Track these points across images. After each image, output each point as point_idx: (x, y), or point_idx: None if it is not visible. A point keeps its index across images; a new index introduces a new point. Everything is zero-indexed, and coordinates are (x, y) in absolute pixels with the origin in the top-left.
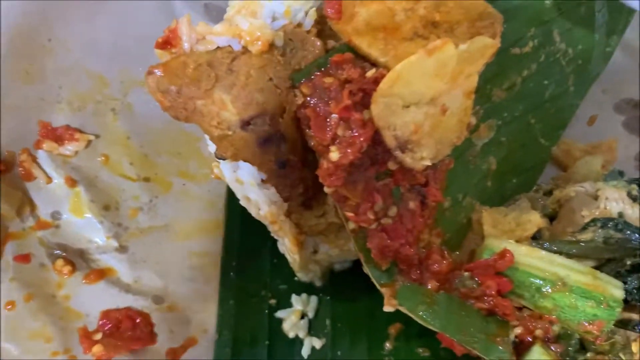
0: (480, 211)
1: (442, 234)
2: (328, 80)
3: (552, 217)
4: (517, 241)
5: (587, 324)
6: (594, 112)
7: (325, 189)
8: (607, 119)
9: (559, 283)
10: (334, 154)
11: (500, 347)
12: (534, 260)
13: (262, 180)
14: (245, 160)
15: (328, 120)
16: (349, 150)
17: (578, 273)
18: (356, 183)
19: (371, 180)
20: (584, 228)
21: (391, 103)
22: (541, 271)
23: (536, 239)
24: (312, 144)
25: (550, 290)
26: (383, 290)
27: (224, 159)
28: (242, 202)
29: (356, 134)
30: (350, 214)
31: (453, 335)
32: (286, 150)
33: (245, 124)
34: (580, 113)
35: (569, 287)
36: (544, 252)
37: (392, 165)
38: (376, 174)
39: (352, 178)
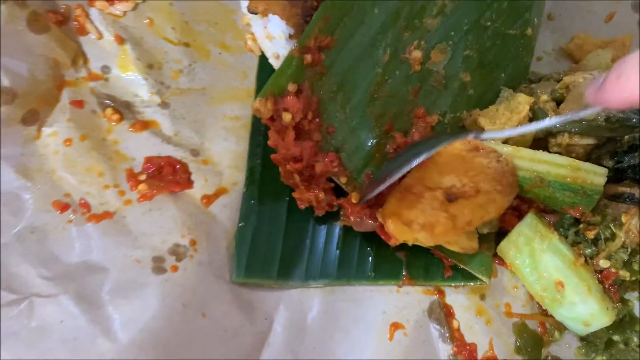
0: (470, 116)
1: None
2: None
3: (559, 102)
4: (518, 124)
5: (568, 209)
6: (613, 10)
7: None
8: (624, 16)
9: (538, 180)
10: None
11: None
12: (517, 161)
13: (290, 36)
14: (274, 14)
15: None
16: None
17: (558, 167)
18: None
19: None
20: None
21: None
22: (523, 170)
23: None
24: None
25: (529, 187)
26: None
27: (255, 14)
28: (272, 61)
29: None
30: None
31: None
32: (312, 5)
33: None
34: (598, 9)
35: (547, 182)
36: (525, 151)
37: None
38: None
39: None
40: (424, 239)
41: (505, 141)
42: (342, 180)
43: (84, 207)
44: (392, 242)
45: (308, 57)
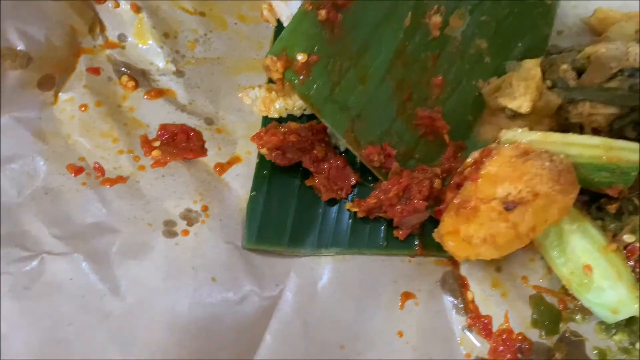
0: (487, 84)
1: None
2: None
3: (580, 72)
4: (537, 88)
5: (605, 189)
6: None
7: None
8: None
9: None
10: None
11: None
12: (548, 146)
13: None
14: None
15: None
16: None
17: (591, 148)
18: None
19: None
20: (612, 78)
21: None
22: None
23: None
24: None
25: None
26: None
27: None
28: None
29: None
30: None
31: None
32: None
33: None
34: None
35: (581, 165)
36: (555, 136)
37: None
38: None
39: None
40: (488, 252)
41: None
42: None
43: (98, 170)
44: (457, 258)
45: (322, 13)
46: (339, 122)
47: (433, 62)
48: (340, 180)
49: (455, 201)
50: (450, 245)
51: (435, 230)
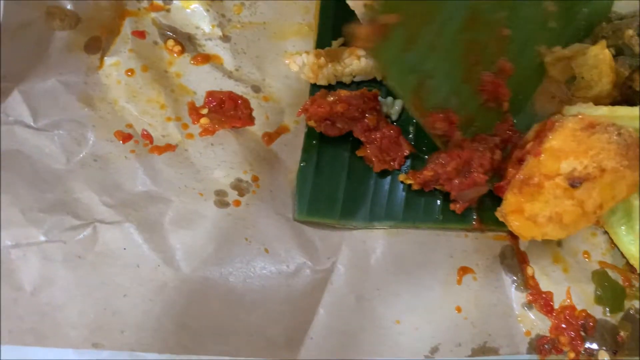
0: (552, 53)
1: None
2: None
3: None
4: (611, 69)
5: None
6: None
7: None
8: None
9: None
10: None
11: None
12: (615, 120)
13: None
14: None
15: None
16: None
17: None
18: None
19: None
20: None
21: None
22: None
23: None
24: None
25: None
26: None
27: None
28: None
29: None
30: None
31: None
32: None
33: None
34: None
35: None
36: (622, 110)
37: None
38: None
39: None
40: (554, 232)
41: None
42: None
43: (147, 138)
44: (523, 238)
45: None
46: (405, 85)
47: (503, 23)
48: (392, 150)
49: (518, 177)
50: (515, 225)
51: (498, 209)
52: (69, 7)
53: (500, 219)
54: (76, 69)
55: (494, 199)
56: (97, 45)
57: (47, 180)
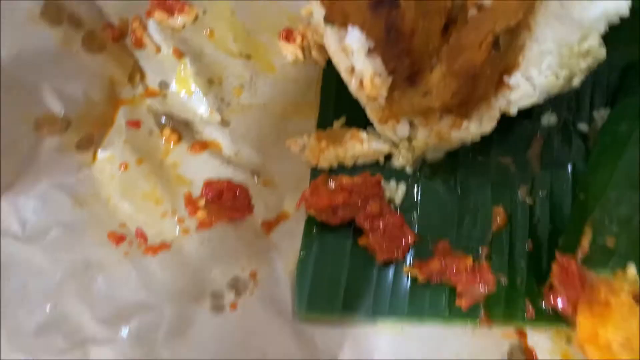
0: None
1: None
2: None
3: None
4: None
5: None
6: None
7: None
8: None
9: None
10: None
11: None
12: None
13: (370, 49)
14: (354, 24)
15: None
16: None
17: None
18: None
19: None
20: None
21: None
22: None
23: None
24: None
25: None
26: None
27: (332, 24)
28: (343, 75)
29: None
30: None
31: None
32: (398, 15)
33: None
34: None
35: None
36: None
37: None
38: None
39: None
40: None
41: None
42: None
43: (141, 237)
44: None
45: None
46: None
47: None
48: (396, 239)
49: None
50: (594, 356)
51: (575, 337)
52: (58, 111)
53: (578, 348)
54: (68, 169)
55: (499, 292)
56: (90, 141)
57: (35, 298)
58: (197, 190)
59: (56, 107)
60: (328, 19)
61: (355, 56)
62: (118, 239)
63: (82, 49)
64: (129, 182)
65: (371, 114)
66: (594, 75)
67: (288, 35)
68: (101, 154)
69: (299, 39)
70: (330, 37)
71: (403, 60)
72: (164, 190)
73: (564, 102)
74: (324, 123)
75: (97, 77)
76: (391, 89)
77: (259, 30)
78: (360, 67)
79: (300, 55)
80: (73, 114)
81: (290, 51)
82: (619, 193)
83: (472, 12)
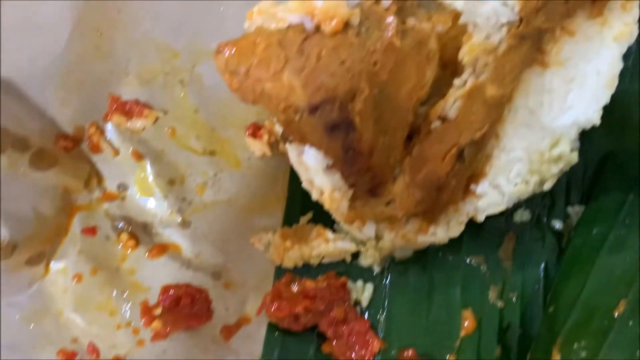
0: None
1: None
2: None
3: None
4: None
5: None
6: None
7: None
8: None
9: None
10: None
11: None
12: None
13: (328, 166)
14: (311, 145)
15: None
16: None
17: None
18: None
19: None
20: None
21: None
22: None
23: None
24: None
25: None
26: None
27: (290, 142)
28: (305, 185)
29: None
30: None
31: None
32: (355, 138)
33: (314, 109)
34: None
35: None
36: None
37: None
38: None
39: None
40: None
41: None
42: None
43: (93, 352)
44: None
45: None
46: None
47: None
48: (361, 347)
49: None
50: None
51: None
52: (4, 237)
53: None
54: (18, 287)
55: None
56: (42, 256)
57: None
58: (154, 297)
59: (2, 232)
60: (285, 138)
61: (312, 172)
62: (69, 355)
63: (30, 169)
64: (83, 293)
65: (336, 215)
66: (570, 170)
67: (255, 132)
68: (54, 266)
69: (266, 136)
70: (289, 152)
71: (363, 175)
72: (119, 300)
73: (538, 198)
74: (290, 218)
75: (48, 191)
76: (353, 200)
77: (225, 126)
78: (318, 183)
79: (267, 151)
80: (20, 236)
81: (257, 148)
82: (590, 310)
83: (436, 123)
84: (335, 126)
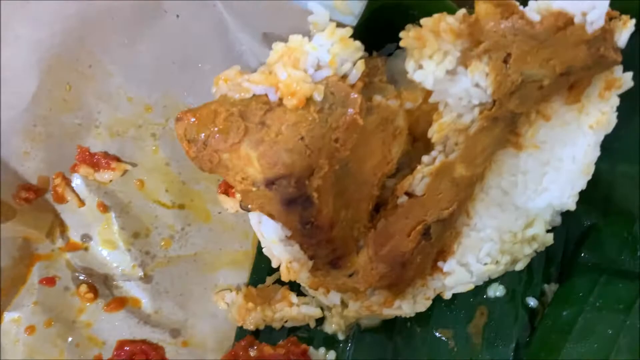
0: None
1: None
2: None
3: None
4: None
5: None
6: None
7: None
8: None
9: None
10: None
11: None
12: None
13: (287, 237)
14: (269, 216)
15: None
16: None
17: None
18: None
19: None
20: None
21: None
22: None
23: None
24: None
25: None
26: None
27: (248, 211)
28: (265, 252)
29: None
30: None
31: None
32: (313, 212)
33: (270, 183)
34: None
35: None
36: None
37: None
38: None
39: None
40: None
41: None
42: None
43: None
44: None
45: None
46: None
47: None
48: None
49: None
50: None
51: None
52: None
53: None
54: None
55: None
56: None
57: None
58: (109, 352)
59: None
60: (243, 206)
61: (269, 243)
62: None
63: None
64: (34, 346)
65: (299, 281)
66: (550, 246)
67: (227, 189)
68: (7, 316)
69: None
70: (251, 218)
71: (324, 248)
72: (72, 354)
73: (515, 273)
74: (256, 277)
75: (6, 243)
76: (314, 270)
77: (196, 179)
78: (277, 254)
79: (239, 208)
80: None
81: (229, 205)
82: None
83: (403, 198)
84: (292, 201)
